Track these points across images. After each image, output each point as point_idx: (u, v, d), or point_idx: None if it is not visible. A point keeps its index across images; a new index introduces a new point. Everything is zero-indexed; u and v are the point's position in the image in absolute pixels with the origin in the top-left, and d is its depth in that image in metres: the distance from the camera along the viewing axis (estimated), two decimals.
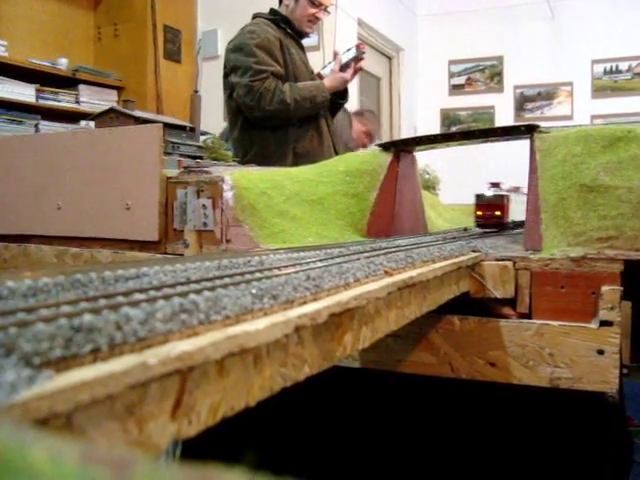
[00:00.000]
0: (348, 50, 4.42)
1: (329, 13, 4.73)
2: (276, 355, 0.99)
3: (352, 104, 6.56)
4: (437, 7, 10.36)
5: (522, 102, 10.20)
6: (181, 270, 1.22)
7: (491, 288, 2.23)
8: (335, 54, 4.43)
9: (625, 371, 4.16)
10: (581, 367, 2.04)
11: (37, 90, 6.73)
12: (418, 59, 10.62)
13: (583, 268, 2.18)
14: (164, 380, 0.74)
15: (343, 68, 4.34)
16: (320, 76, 4.47)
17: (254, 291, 1.04)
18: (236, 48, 4.26)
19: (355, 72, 4.46)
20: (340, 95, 4.56)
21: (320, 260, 1.50)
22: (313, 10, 4.45)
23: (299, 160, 4.04)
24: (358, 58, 4.38)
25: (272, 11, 4.53)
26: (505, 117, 10.02)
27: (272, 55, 4.21)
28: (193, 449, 1.60)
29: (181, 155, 3.67)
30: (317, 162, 3.22)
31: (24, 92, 6.61)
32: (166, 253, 2.66)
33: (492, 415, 2.35)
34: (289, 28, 4.45)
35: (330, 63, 4.52)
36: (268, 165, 3.56)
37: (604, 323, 2.01)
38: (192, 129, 4.77)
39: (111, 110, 4.65)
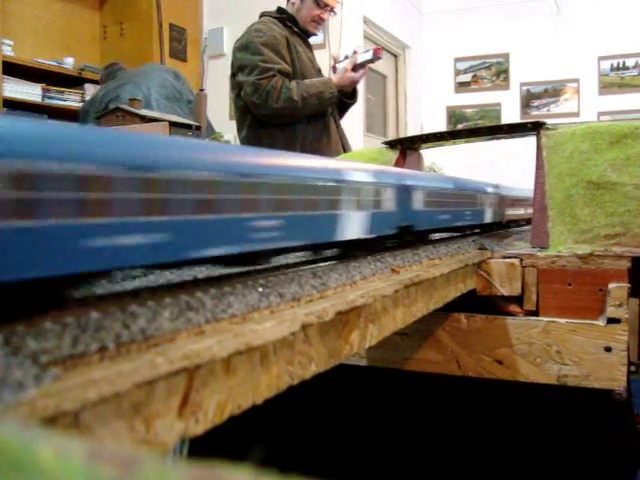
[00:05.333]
0: (366, 51, 4.40)
1: (335, 14, 4.72)
2: (283, 353, 0.99)
3: (358, 102, 6.55)
4: (443, 4, 10.34)
5: (528, 99, 10.18)
6: (187, 268, 1.22)
7: (498, 286, 2.22)
8: (354, 52, 4.42)
9: (632, 368, 4.15)
10: (588, 364, 2.03)
11: (43, 89, 6.75)
12: (424, 57, 10.60)
13: (590, 265, 2.17)
14: (171, 378, 0.74)
15: (356, 68, 4.33)
16: (335, 68, 4.45)
17: (261, 289, 1.04)
18: (243, 47, 4.27)
19: (363, 73, 4.46)
20: (348, 95, 4.56)
21: (327, 257, 1.49)
22: (318, 11, 4.45)
23: None
24: (372, 61, 4.38)
25: (279, 9, 4.53)
26: (511, 114, 9.99)
27: (279, 53, 4.22)
28: (200, 447, 1.60)
29: None
30: None
31: (30, 91, 6.63)
32: None
33: (499, 412, 2.35)
34: (296, 27, 4.45)
35: (347, 58, 4.49)
36: None
37: (611, 320, 2.01)
38: (198, 127, 4.77)
39: (117, 109, 4.67)
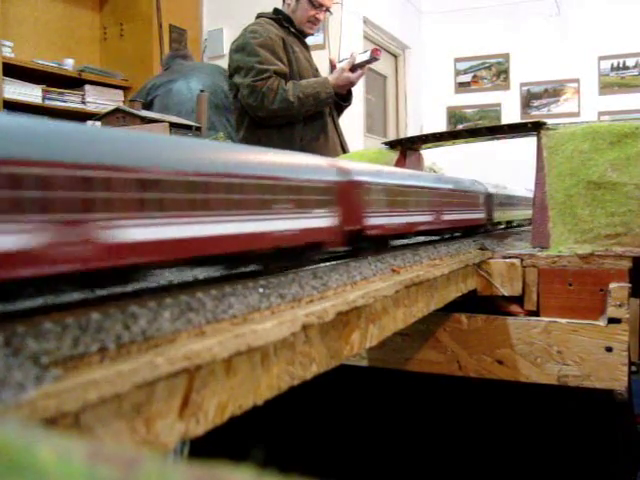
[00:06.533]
0: (364, 52, 4.40)
1: (331, 14, 4.71)
2: (283, 354, 0.99)
3: (358, 103, 6.55)
4: (443, 4, 10.33)
5: (528, 99, 10.17)
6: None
7: (498, 286, 2.22)
8: (351, 55, 4.41)
9: (633, 368, 4.15)
10: (589, 364, 2.03)
11: (43, 91, 6.74)
12: (424, 57, 10.59)
13: (591, 265, 2.17)
14: (171, 379, 0.74)
15: (354, 68, 4.32)
16: (335, 65, 4.44)
17: (261, 290, 1.04)
18: (239, 48, 4.26)
19: (360, 74, 4.44)
20: (343, 98, 4.55)
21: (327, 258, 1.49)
22: (313, 11, 4.44)
23: None
24: (370, 62, 4.36)
25: (275, 10, 4.53)
26: (511, 114, 9.98)
27: (275, 53, 4.21)
28: (201, 448, 1.60)
29: None
30: None
31: (30, 93, 6.62)
32: None
33: (500, 412, 2.35)
34: (292, 27, 4.45)
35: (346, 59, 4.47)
36: None
37: (612, 320, 2.00)
38: (198, 128, 4.77)
39: (117, 110, 4.66)
